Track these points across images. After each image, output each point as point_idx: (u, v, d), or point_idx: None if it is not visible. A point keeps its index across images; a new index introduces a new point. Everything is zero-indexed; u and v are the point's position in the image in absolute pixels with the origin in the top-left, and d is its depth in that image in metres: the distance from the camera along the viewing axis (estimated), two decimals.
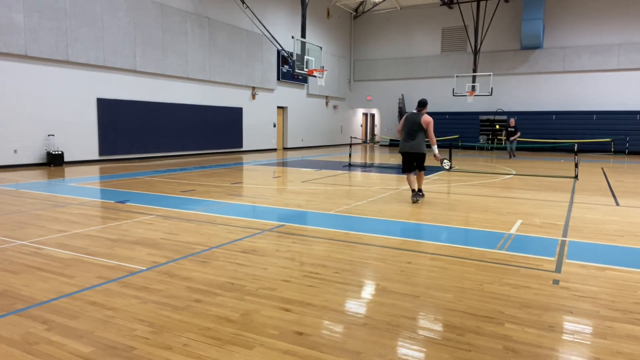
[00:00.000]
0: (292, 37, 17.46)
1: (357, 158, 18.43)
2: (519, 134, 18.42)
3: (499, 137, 25.03)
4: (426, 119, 7.59)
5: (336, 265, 4.34)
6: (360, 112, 32.36)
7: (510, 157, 18.79)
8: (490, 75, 23.71)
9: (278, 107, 23.54)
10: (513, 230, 5.88)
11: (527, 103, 25.15)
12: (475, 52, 24.12)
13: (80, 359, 2.60)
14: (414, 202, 7.73)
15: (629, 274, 4.20)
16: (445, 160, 8.25)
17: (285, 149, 24.25)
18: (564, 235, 5.67)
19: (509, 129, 18.46)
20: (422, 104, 7.74)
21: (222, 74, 19.43)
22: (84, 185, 9.73)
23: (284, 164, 15.77)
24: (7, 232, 5.52)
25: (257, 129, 21.90)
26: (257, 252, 4.77)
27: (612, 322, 3.15)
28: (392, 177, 11.79)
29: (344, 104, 30.05)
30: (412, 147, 7.73)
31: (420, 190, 8.04)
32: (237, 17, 19.83)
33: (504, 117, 25.57)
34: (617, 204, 7.97)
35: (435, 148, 7.79)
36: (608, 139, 21.56)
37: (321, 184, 10.36)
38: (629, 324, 3.13)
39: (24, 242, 5.07)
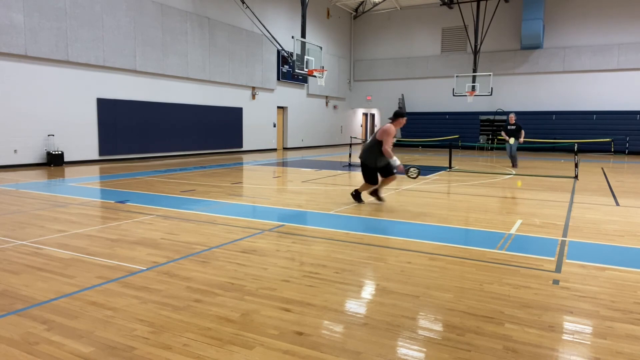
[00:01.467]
0: (292, 37, 17.46)
1: (357, 158, 18.41)
2: (523, 133, 14.09)
3: (499, 138, 25.03)
4: (382, 129, 7.14)
5: (336, 265, 4.34)
6: (360, 112, 32.37)
7: (513, 164, 14.59)
8: (490, 75, 23.72)
9: (278, 107, 23.55)
10: (513, 230, 5.88)
11: (527, 103, 25.15)
12: (475, 52, 24.13)
13: (80, 359, 2.59)
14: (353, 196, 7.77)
15: (629, 274, 4.20)
16: (411, 170, 7.49)
17: (285, 149, 24.25)
18: (564, 235, 5.67)
19: (509, 126, 14.10)
20: (394, 114, 7.39)
21: (222, 74, 19.43)
22: (84, 185, 9.73)
23: (284, 164, 15.77)
24: (7, 232, 5.52)
25: (257, 129, 21.91)
26: (257, 252, 4.77)
27: (612, 322, 3.15)
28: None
29: (344, 104, 30.06)
30: (361, 156, 7.54)
31: (356, 191, 7.68)
32: (237, 17, 19.83)
33: (504, 117, 25.60)
34: (617, 204, 7.97)
35: (393, 161, 7.17)
36: (608, 139, 21.58)
37: (321, 184, 10.36)
38: (629, 324, 3.13)
39: (24, 242, 5.07)
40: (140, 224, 6.03)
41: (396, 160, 7.15)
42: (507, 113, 25.32)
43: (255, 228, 5.86)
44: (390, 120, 7.38)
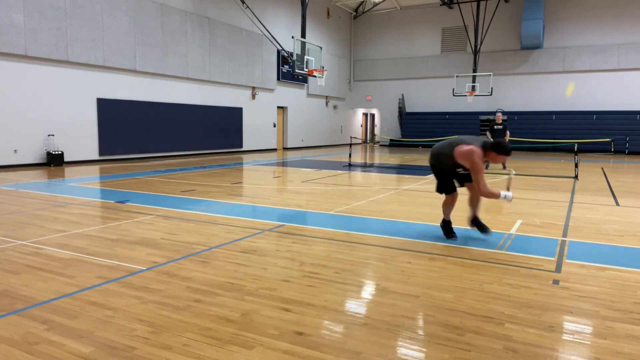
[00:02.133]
0: (292, 37, 17.46)
1: (357, 158, 18.43)
2: (508, 134, 13.39)
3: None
4: (467, 149, 4.96)
5: (336, 265, 4.34)
6: (360, 112, 32.36)
7: (487, 166, 13.14)
8: (490, 75, 23.71)
9: (278, 107, 23.55)
10: (513, 230, 5.88)
11: (527, 103, 25.15)
12: (475, 52, 24.12)
13: (80, 359, 2.60)
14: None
15: (629, 274, 4.20)
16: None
17: (285, 149, 24.25)
18: (564, 235, 5.67)
19: (496, 126, 13.25)
20: (492, 144, 4.97)
21: (222, 74, 19.43)
22: (84, 185, 9.73)
23: (284, 164, 15.77)
24: (7, 232, 5.52)
25: (257, 129, 21.91)
26: (257, 252, 4.77)
27: (612, 322, 3.15)
28: (392, 177, 11.78)
29: (344, 104, 30.06)
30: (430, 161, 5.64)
31: (444, 221, 5.64)
32: (237, 17, 19.83)
33: (504, 118, 25.57)
34: (617, 204, 7.97)
35: (504, 196, 5.02)
36: (608, 139, 21.56)
37: (321, 184, 10.36)
38: (629, 324, 3.13)
39: (24, 242, 5.07)
40: (140, 224, 6.03)
41: (507, 197, 4.94)
42: (507, 113, 25.34)
43: (255, 228, 5.86)
44: (480, 145, 4.96)
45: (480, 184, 4.94)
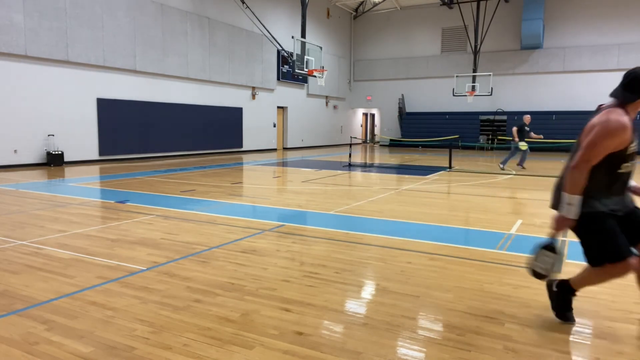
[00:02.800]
0: (292, 37, 17.46)
1: (357, 158, 18.43)
2: (533, 135, 13.93)
3: (500, 138, 24.94)
4: (598, 120, 3.03)
5: (336, 265, 4.34)
6: (360, 112, 32.36)
7: (522, 165, 14.30)
8: (490, 75, 23.72)
9: (278, 107, 23.55)
10: (513, 230, 5.87)
11: (527, 103, 25.15)
12: (475, 52, 24.13)
13: (80, 359, 2.60)
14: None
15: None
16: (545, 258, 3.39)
17: (285, 149, 24.25)
18: (564, 235, 5.66)
19: (526, 127, 13.72)
20: (630, 80, 2.90)
21: (222, 74, 19.43)
22: (84, 185, 9.73)
23: (284, 164, 15.77)
24: (7, 232, 5.52)
25: (257, 129, 21.91)
26: (257, 252, 4.77)
27: (612, 322, 3.15)
28: (392, 177, 11.78)
29: (344, 104, 30.06)
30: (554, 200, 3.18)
31: (563, 285, 3.19)
32: (237, 17, 19.83)
33: (504, 117, 25.58)
34: None
35: (565, 204, 2.98)
36: None
37: (321, 184, 10.36)
38: (629, 324, 3.13)
39: (24, 242, 5.07)
40: (140, 224, 6.03)
41: (571, 204, 2.95)
42: (507, 113, 25.34)
43: (255, 228, 5.86)
44: (617, 101, 3.01)
45: (582, 159, 2.85)
